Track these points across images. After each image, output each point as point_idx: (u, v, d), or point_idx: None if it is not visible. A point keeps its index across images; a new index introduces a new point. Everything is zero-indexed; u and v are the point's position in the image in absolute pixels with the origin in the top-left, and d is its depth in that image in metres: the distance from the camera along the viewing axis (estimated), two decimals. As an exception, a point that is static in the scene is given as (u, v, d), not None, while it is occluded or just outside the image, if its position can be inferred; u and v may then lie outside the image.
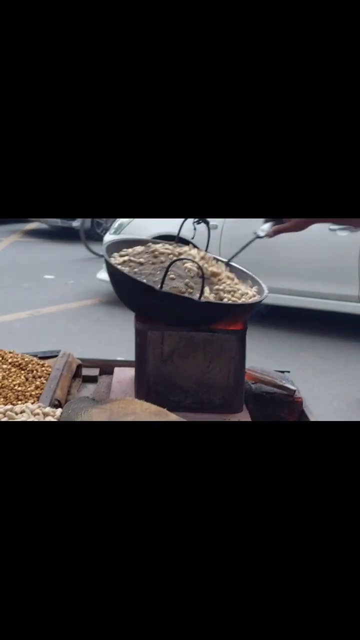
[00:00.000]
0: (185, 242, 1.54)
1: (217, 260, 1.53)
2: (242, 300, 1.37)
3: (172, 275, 1.34)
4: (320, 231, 4.38)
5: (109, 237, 5.28)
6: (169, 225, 4.42)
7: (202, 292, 1.27)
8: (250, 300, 1.37)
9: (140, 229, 4.90)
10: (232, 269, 1.52)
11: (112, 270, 1.37)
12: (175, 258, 1.35)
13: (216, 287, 1.39)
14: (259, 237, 1.36)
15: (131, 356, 1.52)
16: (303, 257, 4.46)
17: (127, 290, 1.38)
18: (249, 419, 1.31)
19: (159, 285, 1.27)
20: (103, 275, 5.18)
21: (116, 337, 4.40)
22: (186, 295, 1.30)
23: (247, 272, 1.52)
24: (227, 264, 1.52)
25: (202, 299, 1.27)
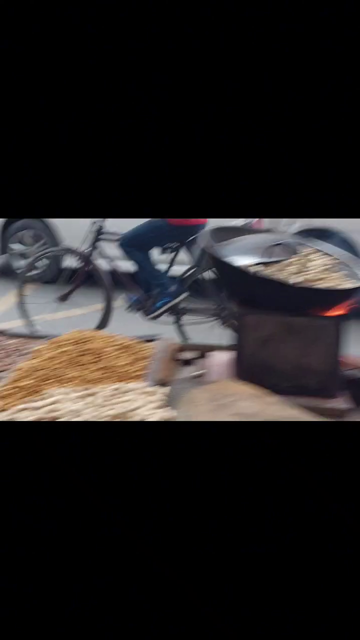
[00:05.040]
0: None
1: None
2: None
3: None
4: None
5: None
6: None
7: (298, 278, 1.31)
8: (345, 287, 1.39)
9: None
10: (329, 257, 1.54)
11: (214, 257, 1.43)
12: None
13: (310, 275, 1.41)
14: None
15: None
16: None
17: (225, 276, 1.44)
18: (344, 406, 1.33)
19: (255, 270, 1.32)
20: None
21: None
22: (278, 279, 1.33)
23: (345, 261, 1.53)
24: (327, 253, 1.54)
25: (298, 285, 1.31)
